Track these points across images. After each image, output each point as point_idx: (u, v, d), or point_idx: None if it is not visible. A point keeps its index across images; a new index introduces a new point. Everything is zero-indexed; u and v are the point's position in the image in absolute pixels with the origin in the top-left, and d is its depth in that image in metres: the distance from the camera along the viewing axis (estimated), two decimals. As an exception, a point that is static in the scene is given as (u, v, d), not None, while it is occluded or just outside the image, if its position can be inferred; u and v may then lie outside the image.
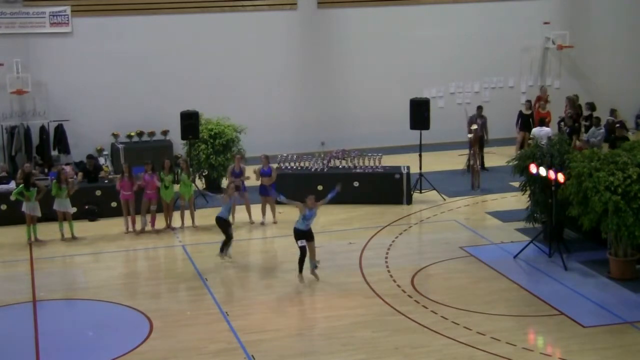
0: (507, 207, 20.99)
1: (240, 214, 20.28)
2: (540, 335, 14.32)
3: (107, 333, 14.52)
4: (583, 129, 24.55)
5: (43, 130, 24.54)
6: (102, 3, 25.21)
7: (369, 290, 16.06)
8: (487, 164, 24.14)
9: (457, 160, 24.54)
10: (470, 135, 23.05)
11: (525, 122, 25.35)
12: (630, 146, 16.97)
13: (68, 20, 24.89)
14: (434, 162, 24.19)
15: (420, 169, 22.22)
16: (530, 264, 17.21)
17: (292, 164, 22.00)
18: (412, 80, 26.55)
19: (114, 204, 20.70)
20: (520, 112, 25.66)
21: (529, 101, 25.94)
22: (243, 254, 18.40)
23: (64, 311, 15.87)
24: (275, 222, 20.18)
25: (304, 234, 16.32)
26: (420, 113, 22.26)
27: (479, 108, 24.46)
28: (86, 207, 20.57)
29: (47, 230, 19.46)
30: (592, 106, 25.25)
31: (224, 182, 22.57)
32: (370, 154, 22.03)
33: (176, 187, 20.08)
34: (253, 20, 26.15)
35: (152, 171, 19.74)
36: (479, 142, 23.59)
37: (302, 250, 16.30)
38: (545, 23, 27.83)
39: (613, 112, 27.18)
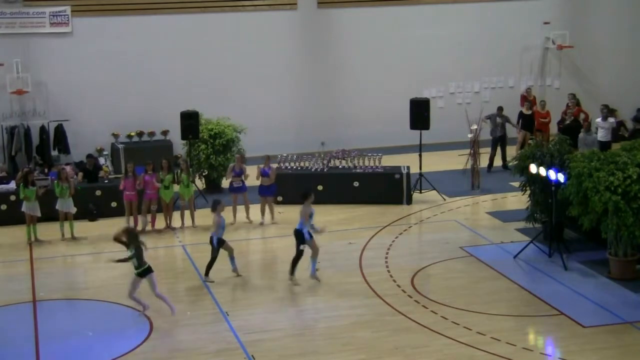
0: (507, 207, 21.00)
1: (240, 214, 20.29)
2: (540, 335, 14.33)
3: (107, 333, 14.52)
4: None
5: (43, 130, 24.55)
6: (102, 3, 25.22)
7: (369, 290, 16.06)
8: (485, 164, 24.12)
9: (457, 160, 24.54)
10: (470, 135, 23.06)
11: (526, 122, 25.38)
12: (631, 146, 16.97)
13: (68, 20, 24.89)
14: (434, 162, 24.18)
15: (420, 169, 22.22)
16: (530, 264, 17.21)
17: (292, 164, 22.00)
18: (412, 80, 26.55)
19: (114, 204, 20.70)
20: (521, 112, 25.67)
21: (529, 101, 25.96)
22: (243, 254, 18.39)
23: (64, 311, 15.86)
24: (274, 223, 20.17)
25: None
26: (420, 113, 22.27)
27: (500, 108, 24.58)
28: (90, 205, 20.59)
29: (47, 230, 19.46)
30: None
31: (224, 182, 22.62)
32: (370, 154, 22.03)
33: (176, 187, 20.08)
34: (253, 20, 26.16)
35: (152, 171, 19.75)
36: (500, 141, 24.25)
37: (302, 253, 16.33)
38: (545, 23, 27.84)
39: (613, 112, 27.21)
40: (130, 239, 14.89)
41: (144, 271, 14.82)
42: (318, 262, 16.45)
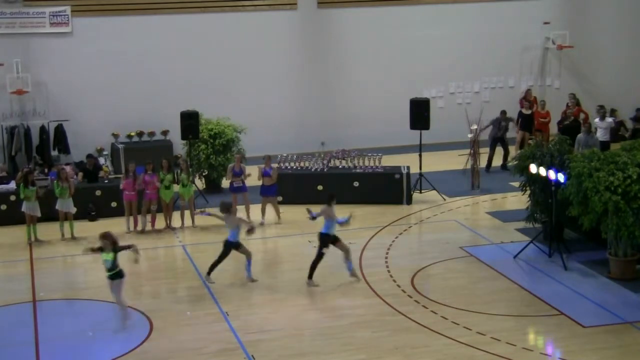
0: (507, 207, 21.00)
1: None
2: (540, 335, 14.33)
3: (107, 333, 14.53)
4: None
5: (43, 130, 24.55)
6: (102, 3, 25.22)
7: (369, 290, 16.06)
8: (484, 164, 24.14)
9: (457, 160, 24.55)
10: (470, 135, 23.07)
11: (525, 122, 25.43)
12: (631, 146, 16.96)
13: (68, 20, 24.90)
14: (434, 162, 24.19)
15: (420, 169, 22.23)
16: (530, 264, 17.21)
17: (292, 164, 22.00)
18: (412, 80, 26.55)
19: (114, 204, 20.71)
20: (520, 112, 25.72)
21: (528, 101, 26.00)
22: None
23: (64, 311, 15.85)
24: (278, 223, 20.15)
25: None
26: (420, 113, 22.28)
27: (503, 112, 24.61)
28: (90, 206, 20.59)
29: (47, 230, 19.46)
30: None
31: (224, 182, 22.64)
32: (370, 154, 22.03)
33: (176, 187, 20.08)
34: (253, 20, 26.16)
35: (152, 171, 19.76)
36: (500, 142, 24.35)
37: (322, 256, 16.31)
38: (545, 23, 27.84)
39: (613, 112, 27.24)
40: (109, 244, 14.44)
41: (116, 274, 14.48)
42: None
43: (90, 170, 21.39)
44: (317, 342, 14.03)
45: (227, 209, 16.47)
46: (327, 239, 16.19)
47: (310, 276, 16.29)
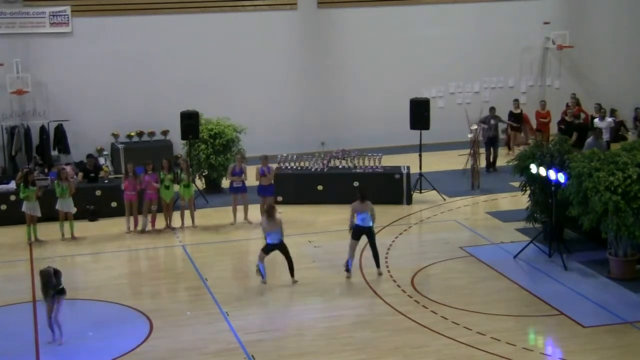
0: (507, 207, 21.00)
1: (240, 214, 20.27)
2: (540, 335, 14.33)
3: (107, 333, 14.53)
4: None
5: (43, 130, 24.54)
6: (102, 3, 25.21)
7: (369, 290, 16.06)
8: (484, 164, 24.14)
9: (457, 160, 24.55)
10: (470, 135, 23.07)
11: (515, 121, 25.61)
12: (631, 146, 16.96)
13: (68, 20, 24.89)
14: (434, 162, 24.19)
15: (420, 169, 22.22)
16: (530, 264, 17.21)
17: (292, 164, 22.00)
18: (412, 80, 26.55)
19: (114, 204, 20.71)
20: (510, 111, 25.91)
21: (516, 100, 26.20)
22: (243, 253, 18.41)
23: (64, 311, 15.80)
24: None
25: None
26: (420, 113, 22.28)
27: (492, 109, 24.63)
28: (87, 206, 20.56)
29: (47, 230, 19.45)
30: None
31: (224, 182, 22.63)
32: (370, 154, 22.03)
33: (176, 187, 20.07)
34: (253, 20, 26.16)
35: (152, 171, 19.75)
36: (492, 143, 24.28)
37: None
38: (545, 23, 27.85)
39: (613, 112, 27.25)
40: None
41: (61, 290, 14.10)
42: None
43: (90, 170, 21.38)
44: (317, 342, 14.03)
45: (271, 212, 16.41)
46: (372, 230, 16.70)
47: (378, 265, 16.84)
